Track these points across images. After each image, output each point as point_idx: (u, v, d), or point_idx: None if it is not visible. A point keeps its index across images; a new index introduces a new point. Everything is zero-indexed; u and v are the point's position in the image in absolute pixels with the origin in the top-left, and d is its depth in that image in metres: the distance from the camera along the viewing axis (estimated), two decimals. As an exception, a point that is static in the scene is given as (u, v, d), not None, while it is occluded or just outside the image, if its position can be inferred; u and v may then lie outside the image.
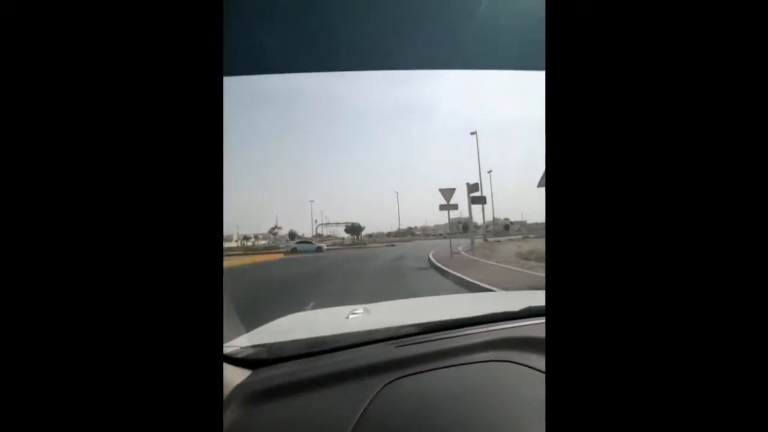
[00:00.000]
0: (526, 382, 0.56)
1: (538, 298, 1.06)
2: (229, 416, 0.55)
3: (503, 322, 0.81)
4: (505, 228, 38.86)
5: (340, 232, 37.78)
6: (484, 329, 0.78)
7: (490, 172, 23.98)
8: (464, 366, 0.64)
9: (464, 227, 25.35)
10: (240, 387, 0.61)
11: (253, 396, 0.58)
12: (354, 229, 36.26)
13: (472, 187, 12.02)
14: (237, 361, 0.69)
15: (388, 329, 0.79)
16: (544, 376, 0.36)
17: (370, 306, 1.19)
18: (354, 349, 0.72)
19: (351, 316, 1.06)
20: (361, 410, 0.54)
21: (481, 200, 12.41)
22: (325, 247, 22.05)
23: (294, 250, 19.98)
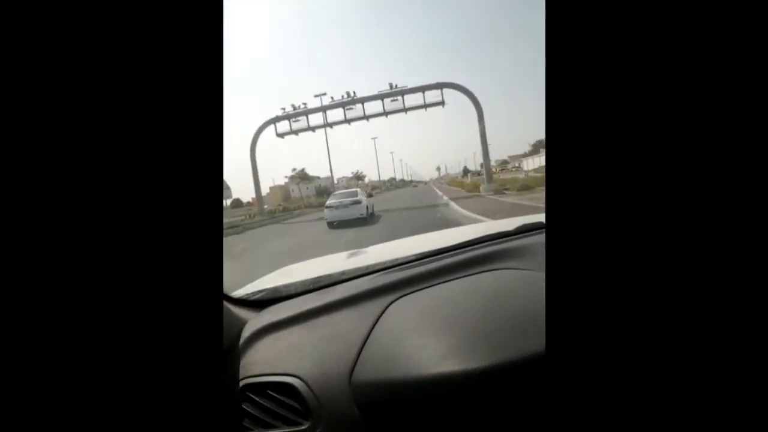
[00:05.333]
0: (528, 283, 0.56)
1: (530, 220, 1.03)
2: (241, 351, 0.61)
3: (499, 240, 0.81)
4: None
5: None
6: (482, 247, 0.78)
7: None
8: (466, 277, 0.66)
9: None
10: (250, 324, 0.66)
11: (263, 330, 0.64)
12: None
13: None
14: (246, 303, 0.74)
15: (387, 261, 0.80)
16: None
17: (370, 248, 1.19)
18: (356, 280, 0.74)
19: (351, 257, 1.05)
20: (369, 328, 0.57)
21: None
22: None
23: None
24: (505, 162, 74.16)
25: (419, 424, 0.47)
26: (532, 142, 61.06)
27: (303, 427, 0.52)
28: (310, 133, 16.52)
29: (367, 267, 0.79)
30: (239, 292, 0.80)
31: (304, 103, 15.30)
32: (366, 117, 15.26)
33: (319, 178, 41.25)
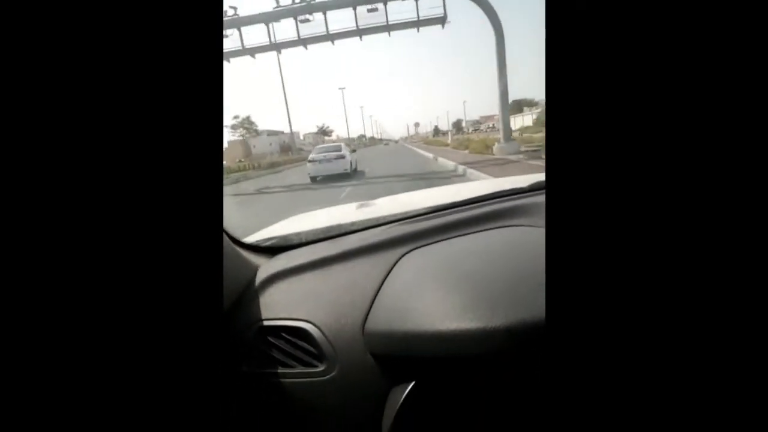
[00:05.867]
0: (542, 241, 0.55)
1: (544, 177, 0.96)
2: (254, 295, 0.61)
3: (513, 196, 0.78)
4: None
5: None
6: (496, 203, 0.76)
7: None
8: (479, 233, 0.65)
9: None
10: (263, 269, 0.65)
11: (276, 275, 0.63)
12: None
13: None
14: (257, 249, 0.71)
15: (398, 213, 0.78)
16: None
17: (379, 200, 1.12)
18: (368, 230, 0.72)
19: (361, 208, 1.01)
20: (382, 279, 0.58)
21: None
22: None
23: None
24: (477, 122, 70.88)
25: (435, 378, 0.49)
26: (509, 101, 57.81)
27: (319, 369, 0.54)
28: (248, 60, 11.33)
29: (378, 219, 0.77)
30: (249, 239, 0.77)
31: (233, 8, 9.95)
32: (330, 37, 10.32)
33: (282, 132, 35.87)
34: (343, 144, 10.06)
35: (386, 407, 0.50)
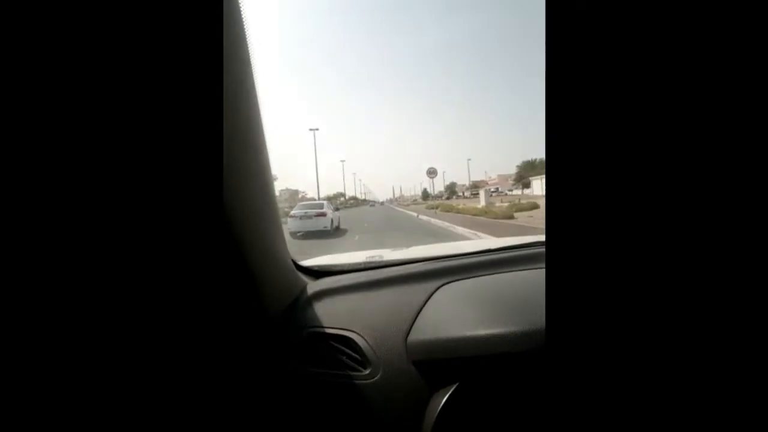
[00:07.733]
0: None
1: None
2: (303, 307, 0.68)
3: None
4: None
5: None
6: (529, 249, 0.81)
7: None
8: (514, 272, 0.72)
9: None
10: (310, 286, 0.73)
11: (323, 292, 0.71)
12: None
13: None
14: (306, 270, 0.81)
15: (433, 255, 0.84)
16: None
17: (412, 247, 1.19)
18: (407, 264, 0.80)
19: (395, 251, 1.08)
20: (422, 304, 0.64)
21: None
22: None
23: None
24: (474, 186, 64.09)
25: (479, 377, 0.53)
26: (518, 163, 51.06)
27: (363, 373, 0.59)
28: None
29: (414, 258, 0.84)
30: (300, 263, 0.83)
31: None
32: None
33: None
34: (326, 202, 10.08)
35: (428, 410, 0.55)
